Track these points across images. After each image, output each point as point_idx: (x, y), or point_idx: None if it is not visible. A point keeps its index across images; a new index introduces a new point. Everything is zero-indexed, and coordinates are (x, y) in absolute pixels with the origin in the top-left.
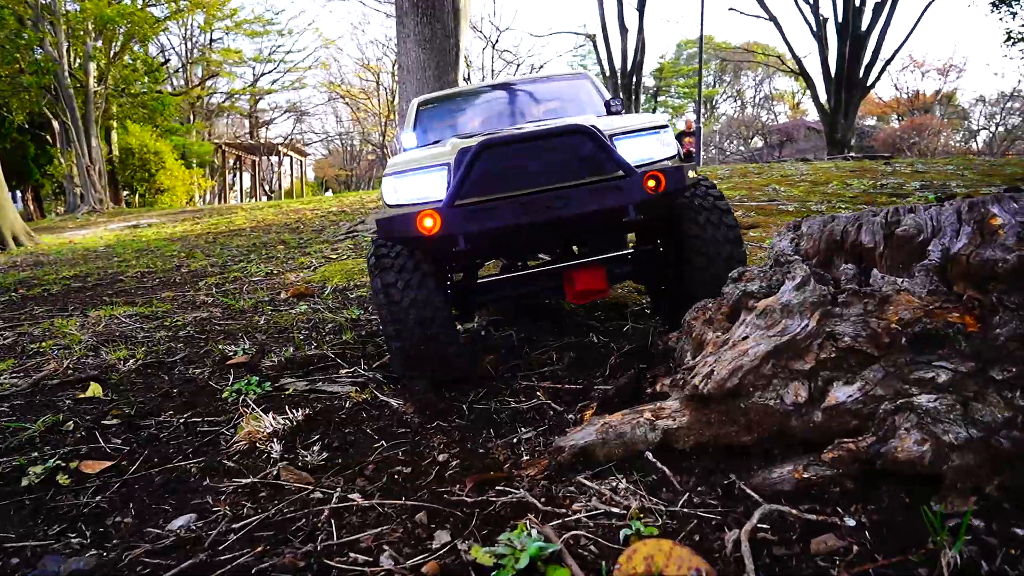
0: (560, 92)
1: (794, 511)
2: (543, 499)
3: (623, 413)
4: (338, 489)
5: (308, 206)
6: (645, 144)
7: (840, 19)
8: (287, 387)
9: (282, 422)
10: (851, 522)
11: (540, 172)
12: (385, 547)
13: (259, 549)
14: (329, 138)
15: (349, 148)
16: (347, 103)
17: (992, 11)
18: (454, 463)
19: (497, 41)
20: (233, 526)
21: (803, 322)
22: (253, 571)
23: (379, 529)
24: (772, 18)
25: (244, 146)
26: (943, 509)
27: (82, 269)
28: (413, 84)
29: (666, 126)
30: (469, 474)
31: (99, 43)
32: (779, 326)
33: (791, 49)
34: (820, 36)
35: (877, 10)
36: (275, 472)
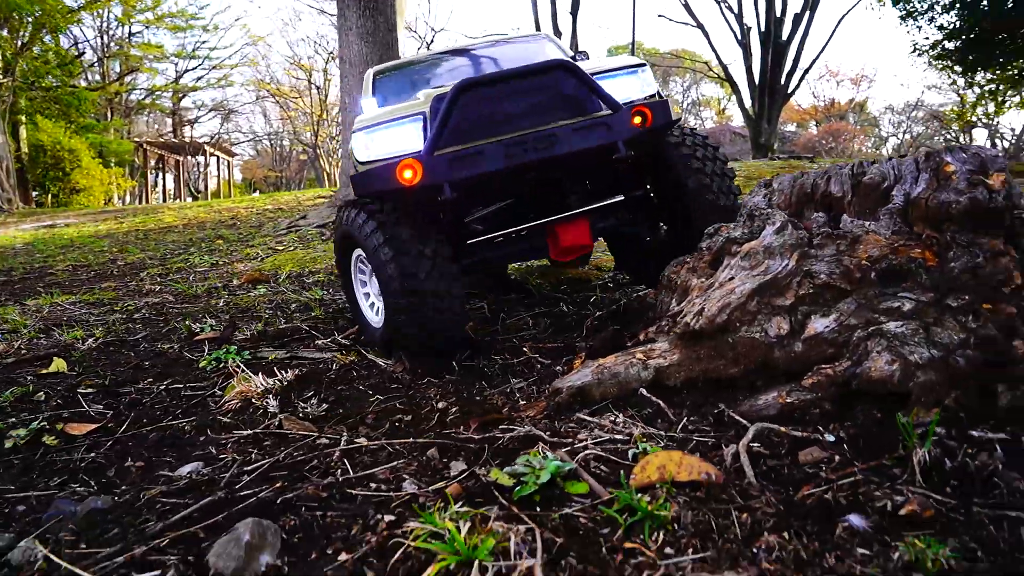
0: (521, 53)
1: (782, 428)
2: (548, 432)
3: (615, 356)
4: (344, 435)
5: (241, 205)
6: (626, 83)
7: (763, 28)
8: (266, 356)
9: (273, 382)
10: (831, 438)
11: (521, 115)
12: (405, 476)
13: (278, 485)
14: (257, 138)
15: (279, 149)
16: (277, 102)
17: (900, 24)
18: (453, 410)
19: (432, 41)
20: (245, 469)
21: (783, 262)
22: (278, 501)
23: (393, 464)
24: (699, 25)
25: (167, 145)
26: (911, 420)
27: (1, 265)
28: (355, 78)
29: (644, 64)
30: (470, 418)
31: (4, 32)
32: (762, 266)
33: (717, 56)
34: (744, 44)
35: (796, 20)
36: (277, 423)
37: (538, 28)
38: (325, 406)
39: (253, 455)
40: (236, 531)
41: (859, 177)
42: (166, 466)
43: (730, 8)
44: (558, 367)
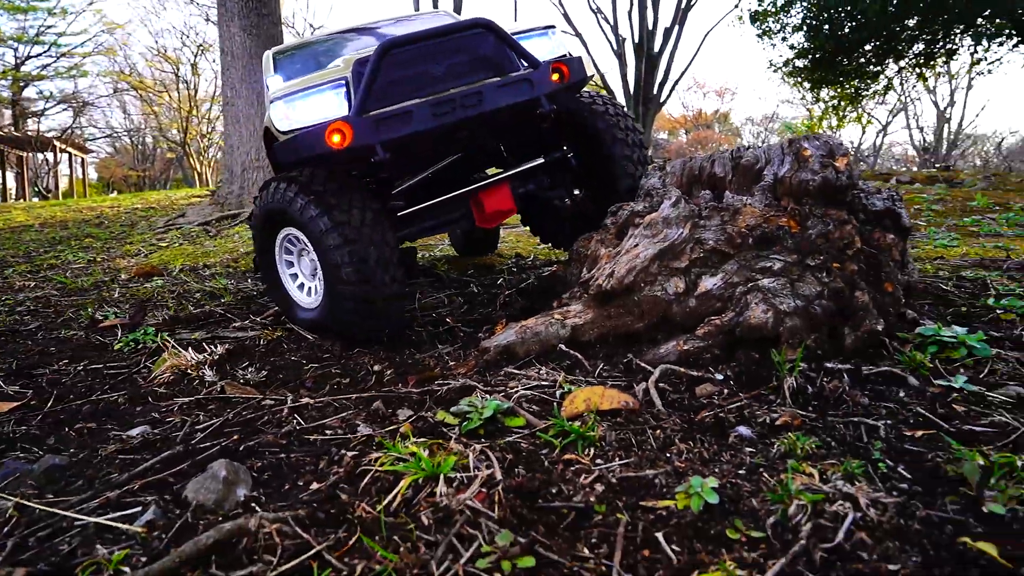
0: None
1: (681, 369)
2: (482, 384)
3: (536, 318)
4: (288, 397)
5: (105, 204)
6: (539, 44)
7: (636, 39)
8: (188, 337)
9: (204, 356)
10: (720, 376)
11: (445, 76)
12: (357, 423)
13: (235, 438)
14: (116, 134)
15: (140, 146)
16: (139, 96)
17: (758, 41)
18: (389, 372)
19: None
20: (196, 428)
21: (679, 231)
22: (240, 448)
23: (343, 415)
24: (578, 34)
25: (6, 139)
26: (782, 358)
27: None
28: (239, 71)
29: (554, 26)
30: (407, 377)
31: None
32: (662, 234)
33: (595, 64)
34: (620, 54)
35: (667, 34)
36: (219, 389)
37: None
38: (264, 373)
39: (200, 417)
40: (211, 469)
41: (738, 160)
42: (109, 432)
43: (606, 19)
44: (480, 334)
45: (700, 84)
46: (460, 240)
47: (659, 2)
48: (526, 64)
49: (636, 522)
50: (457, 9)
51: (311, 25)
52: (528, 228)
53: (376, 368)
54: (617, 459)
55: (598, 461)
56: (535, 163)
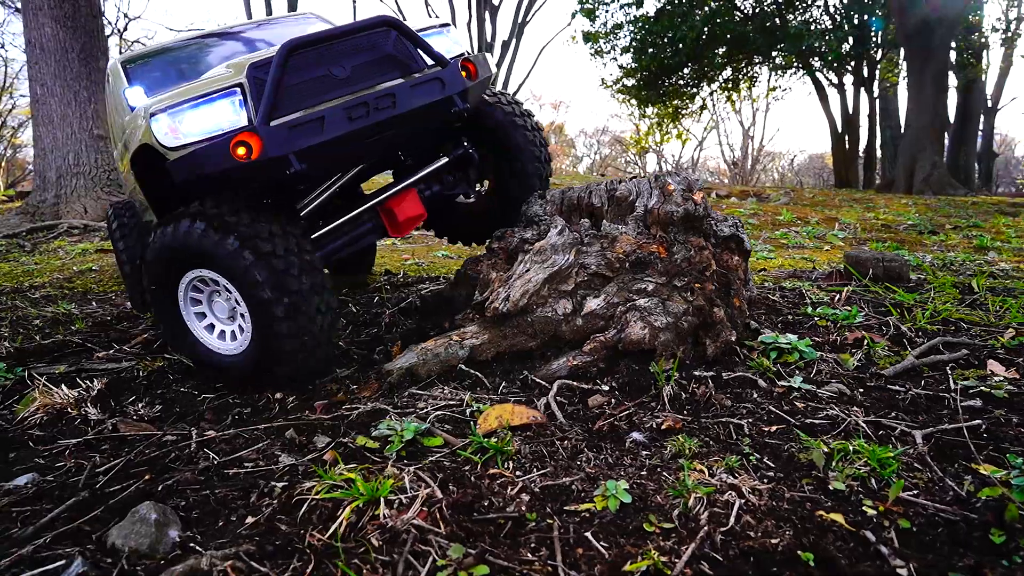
0: (294, 33)
1: (574, 382)
2: (391, 406)
3: (434, 339)
4: (192, 431)
5: None
6: (437, 42)
7: (476, 51)
8: (45, 373)
9: (79, 392)
10: (606, 387)
11: (348, 78)
12: (277, 453)
13: (147, 478)
14: None
15: None
16: None
17: (591, 59)
18: (291, 398)
19: (126, 28)
20: (97, 471)
21: (566, 256)
22: (159, 488)
23: (257, 447)
24: None
25: None
26: (659, 368)
27: None
28: (51, 66)
29: (449, 24)
30: (314, 405)
31: None
32: (550, 260)
33: None
34: None
35: (504, 47)
36: (111, 427)
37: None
38: (157, 408)
39: (97, 459)
40: (138, 512)
41: (612, 192)
42: None
43: None
44: (375, 356)
45: (536, 96)
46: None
47: (496, 16)
48: (432, 62)
49: (566, 525)
50: (292, 9)
51: (125, 15)
52: (427, 231)
53: (278, 396)
54: (535, 470)
55: (518, 473)
56: (440, 163)
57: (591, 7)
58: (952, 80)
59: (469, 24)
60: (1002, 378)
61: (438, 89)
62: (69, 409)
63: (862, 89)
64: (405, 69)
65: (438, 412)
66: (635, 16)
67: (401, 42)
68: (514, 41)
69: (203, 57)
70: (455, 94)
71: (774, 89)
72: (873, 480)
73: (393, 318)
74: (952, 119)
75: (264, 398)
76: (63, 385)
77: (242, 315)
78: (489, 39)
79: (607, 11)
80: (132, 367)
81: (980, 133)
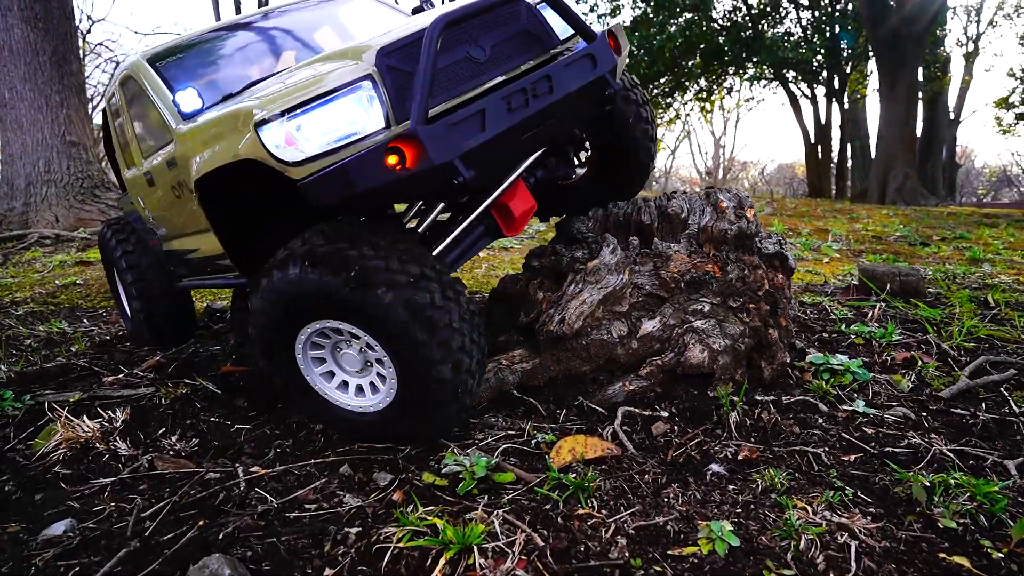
0: (341, 14)
1: (635, 409)
2: (446, 437)
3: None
4: (237, 468)
5: None
6: (550, 15)
7: None
8: (56, 400)
9: (104, 424)
10: (666, 413)
11: (489, 60)
12: (338, 493)
13: (200, 523)
14: None
15: None
16: None
17: None
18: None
19: (89, 31)
20: (143, 516)
21: (620, 276)
22: (219, 537)
23: (312, 485)
24: None
25: None
26: (718, 393)
27: None
28: (21, 69)
29: None
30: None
31: None
32: (604, 281)
33: None
34: None
35: None
36: (146, 464)
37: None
38: (193, 440)
39: (139, 501)
40: (208, 567)
41: (663, 209)
42: (18, 535)
43: None
44: None
45: None
46: None
47: None
48: (571, 35)
49: (678, 572)
50: (238, 10)
51: (89, 18)
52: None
53: (319, 427)
54: (622, 508)
55: (605, 512)
56: (537, 156)
57: None
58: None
59: None
60: None
61: (589, 68)
62: (96, 443)
63: (833, 100)
64: (543, 46)
65: (501, 444)
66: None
67: (533, 13)
68: None
69: (250, 47)
70: (607, 73)
71: (749, 99)
72: (983, 517)
73: None
74: (919, 132)
75: (303, 428)
76: (84, 416)
77: (379, 362)
78: None
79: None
80: (152, 394)
81: (944, 144)
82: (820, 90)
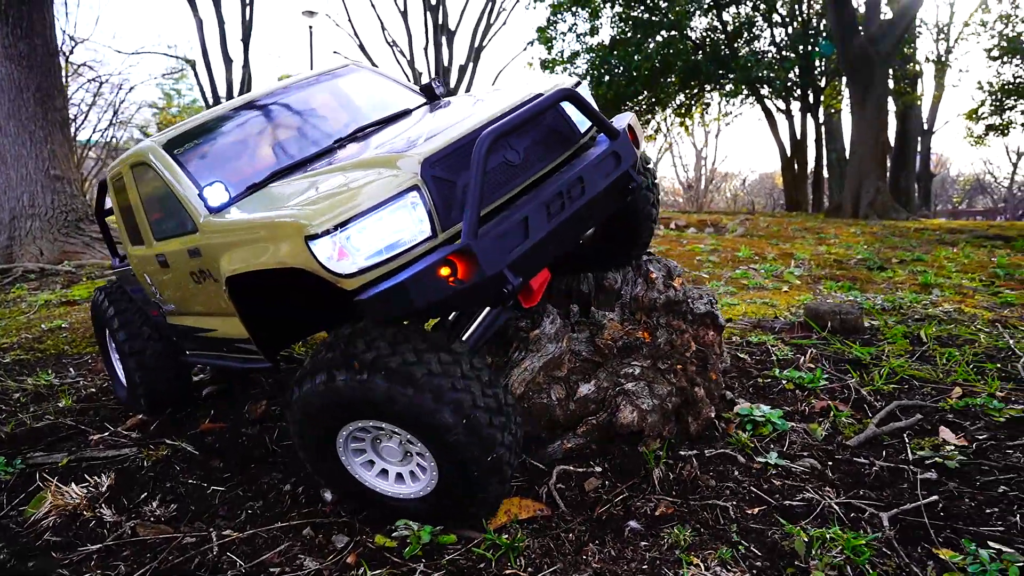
0: (346, 89)
1: (571, 467)
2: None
3: None
4: (211, 532)
5: None
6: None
7: (432, 74)
8: (46, 463)
9: (90, 489)
10: (599, 469)
11: (524, 163)
12: (300, 556)
13: None
14: None
15: None
16: None
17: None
18: (301, 489)
19: (72, 51)
20: None
21: (558, 344)
22: None
23: (278, 548)
24: (374, 66)
25: None
26: (649, 453)
27: None
28: (5, 105)
29: (580, 81)
30: (320, 496)
31: None
32: (544, 349)
33: None
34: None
35: (461, 71)
36: (128, 531)
37: (204, 52)
38: (173, 507)
39: (122, 568)
40: None
41: (600, 280)
42: None
43: (402, 53)
44: None
45: None
46: None
47: (454, 40)
48: (591, 132)
49: None
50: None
51: (71, 38)
52: None
53: (287, 488)
54: (546, 566)
55: (530, 570)
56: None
57: (548, 35)
58: (891, 106)
59: (426, 48)
60: (953, 447)
61: (615, 165)
62: (83, 511)
63: (808, 115)
64: (569, 142)
65: None
66: (591, 45)
67: (559, 112)
68: (471, 65)
69: (263, 130)
70: (630, 168)
71: (726, 115)
72: (849, 568)
73: None
74: (892, 144)
75: (272, 489)
76: (72, 483)
77: (419, 454)
78: (446, 63)
79: (564, 40)
80: (135, 456)
81: (918, 154)
82: (795, 105)
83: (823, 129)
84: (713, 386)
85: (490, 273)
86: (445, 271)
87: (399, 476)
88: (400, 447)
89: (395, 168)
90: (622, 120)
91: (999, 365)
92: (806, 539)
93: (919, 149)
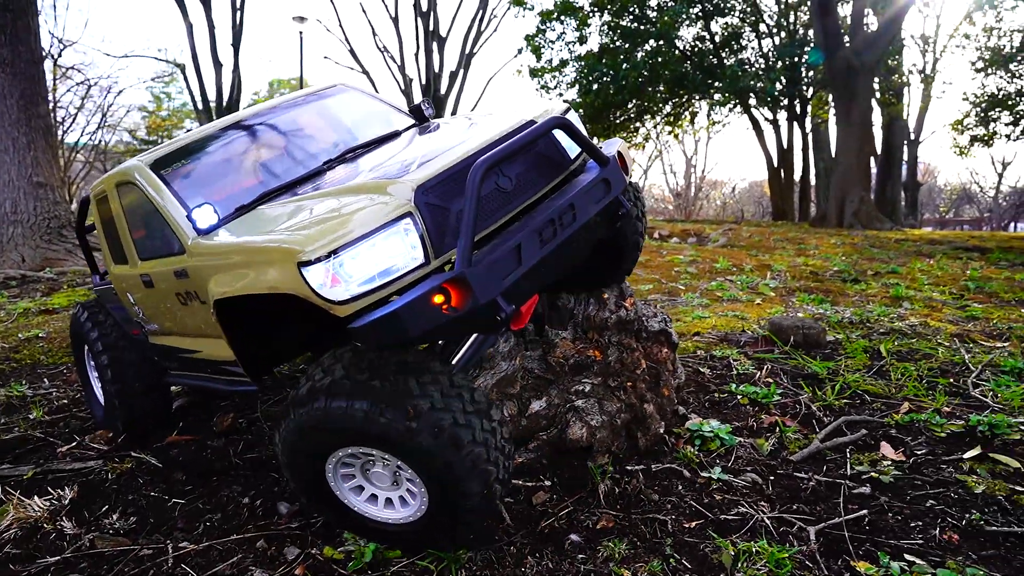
0: (334, 109)
1: (520, 481)
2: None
3: None
4: (167, 544)
5: None
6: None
7: (424, 81)
8: (11, 476)
9: (53, 502)
10: (548, 483)
11: (515, 189)
12: (251, 568)
13: None
14: None
15: None
16: None
17: (537, 93)
18: (259, 502)
19: (60, 55)
20: None
21: (511, 363)
22: None
23: (231, 560)
24: (365, 71)
25: None
26: (595, 468)
27: None
28: None
29: (570, 105)
30: (277, 509)
31: None
32: (498, 367)
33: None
34: (407, 93)
35: (452, 77)
36: (87, 543)
37: (194, 56)
38: (132, 520)
39: None
40: None
41: (554, 300)
42: None
43: (393, 59)
44: None
45: None
46: None
47: (444, 47)
48: (580, 157)
49: None
50: (214, 51)
51: (60, 41)
52: None
53: (246, 501)
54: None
55: None
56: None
57: (537, 44)
58: (878, 117)
59: (417, 54)
60: (890, 462)
61: (604, 192)
62: (44, 523)
63: (795, 124)
64: (559, 168)
65: None
66: (579, 54)
67: (550, 139)
68: (462, 71)
69: (250, 150)
70: (620, 194)
71: (714, 124)
72: None
73: None
74: (879, 154)
75: (232, 503)
76: (36, 496)
77: (410, 479)
78: (437, 69)
79: (552, 48)
80: (100, 469)
81: (905, 164)
82: (782, 114)
83: (811, 139)
84: (665, 402)
85: (484, 301)
86: (439, 299)
87: (392, 501)
88: (388, 471)
89: (388, 194)
90: (611, 147)
91: (951, 380)
92: (733, 552)
93: (906, 159)
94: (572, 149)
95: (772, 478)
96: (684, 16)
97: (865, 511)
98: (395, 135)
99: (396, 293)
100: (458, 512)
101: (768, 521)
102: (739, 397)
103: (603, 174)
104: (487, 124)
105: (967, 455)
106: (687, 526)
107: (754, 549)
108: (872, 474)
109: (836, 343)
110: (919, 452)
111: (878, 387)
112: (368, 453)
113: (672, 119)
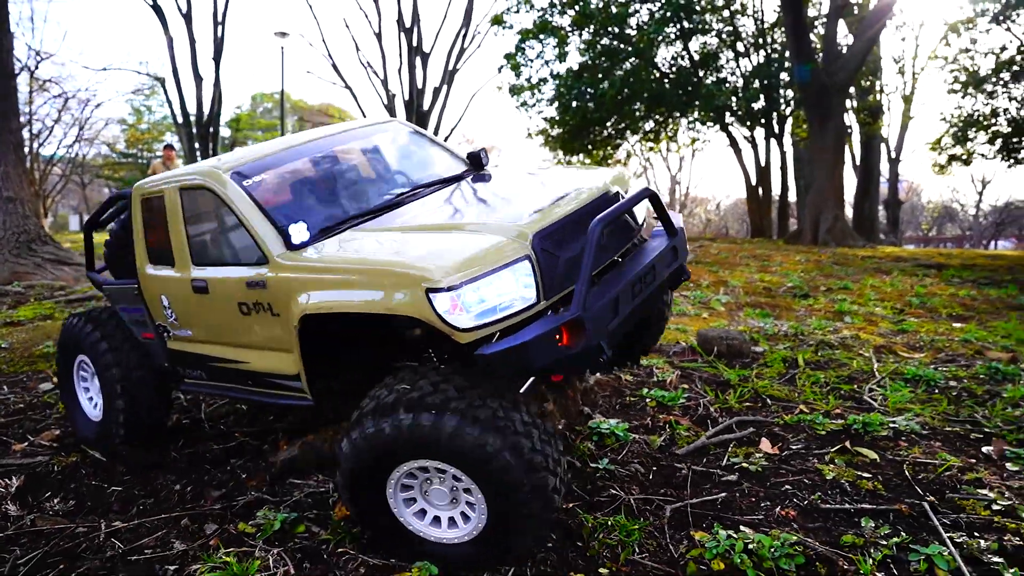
0: (395, 149)
1: None
2: (270, 495)
3: (313, 435)
4: (101, 523)
5: None
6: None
7: (407, 96)
8: None
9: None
10: None
11: (607, 246)
12: (172, 540)
13: (61, 566)
14: None
15: None
16: None
17: (517, 111)
18: (189, 488)
19: (37, 67)
20: (18, 563)
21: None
22: None
23: (156, 535)
24: (347, 86)
25: None
26: None
27: None
28: None
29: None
30: (205, 494)
31: None
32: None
33: (364, 116)
34: (390, 108)
35: (436, 93)
36: (29, 523)
37: (175, 70)
38: (72, 503)
39: (17, 552)
40: None
41: None
42: None
43: (376, 74)
44: (265, 446)
45: (469, 140)
46: None
47: (428, 62)
48: (647, 225)
49: None
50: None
51: (37, 53)
52: None
53: (178, 488)
54: (370, 550)
55: (357, 550)
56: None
57: (517, 62)
58: (857, 135)
59: (400, 70)
60: (763, 454)
61: (672, 258)
62: None
63: (773, 142)
64: (632, 233)
65: (307, 499)
66: (558, 72)
67: (656, 208)
68: (445, 87)
69: (325, 175)
70: (683, 263)
71: (695, 141)
72: (620, 547)
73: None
74: (856, 172)
75: (165, 489)
76: None
77: (467, 498)
78: (420, 85)
79: (532, 66)
80: (47, 462)
81: (887, 181)
82: (760, 133)
83: (791, 156)
84: (569, 403)
85: (594, 342)
86: (559, 336)
87: (454, 521)
88: (447, 489)
89: (506, 237)
90: (678, 219)
91: (854, 387)
92: (591, 524)
93: (887, 177)
94: (640, 217)
95: (655, 468)
96: (663, 36)
97: (724, 494)
98: (460, 177)
99: (515, 328)
100: (520, 531)
101: (633, 502)
102: (647, 400)
103: (673, 242)
104: (560, 179)
105: (834, 449)
106: (565, 506)
107: (609, 523)
108: (744, 464)
109: (758, 354)
110: (794, 447)
111: (782, 392)
112: (436, 469)
113: (653, 136)
